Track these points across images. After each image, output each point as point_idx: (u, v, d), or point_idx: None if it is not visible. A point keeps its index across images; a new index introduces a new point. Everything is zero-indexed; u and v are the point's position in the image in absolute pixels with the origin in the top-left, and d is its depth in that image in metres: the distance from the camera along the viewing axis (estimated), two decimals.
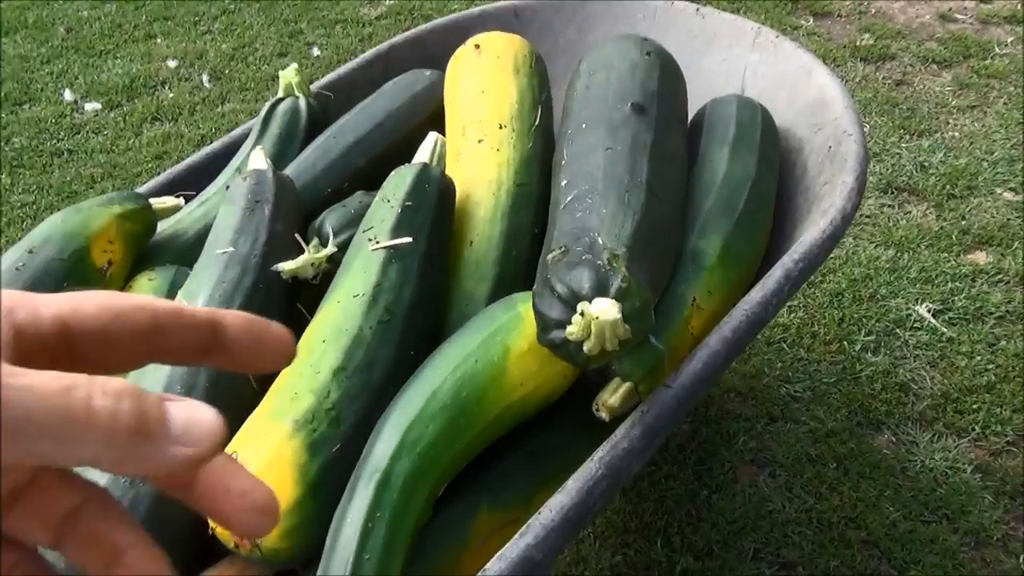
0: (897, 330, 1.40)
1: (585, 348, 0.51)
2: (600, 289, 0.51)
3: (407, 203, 0.69)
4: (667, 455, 1.24)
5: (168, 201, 0.79)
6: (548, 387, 0.62)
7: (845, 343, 1.37)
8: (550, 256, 0.58)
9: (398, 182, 0.71)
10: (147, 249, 0.76)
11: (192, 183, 0.87)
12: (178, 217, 0.81)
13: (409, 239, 0.67)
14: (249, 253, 0.67)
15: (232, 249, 0.67)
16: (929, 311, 1.43)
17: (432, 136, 0.75)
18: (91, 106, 2.27)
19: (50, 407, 0.17)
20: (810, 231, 0.68)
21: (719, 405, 1.32)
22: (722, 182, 0.76)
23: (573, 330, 0.51)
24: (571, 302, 0.52)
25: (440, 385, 0.57)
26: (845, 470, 1.20)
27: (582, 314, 0.50)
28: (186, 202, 0.83)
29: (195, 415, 0.20)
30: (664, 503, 1.18)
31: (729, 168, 0.78)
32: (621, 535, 1.15)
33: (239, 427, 0.58)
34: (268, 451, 0.55)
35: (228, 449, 0.57)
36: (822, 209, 0.72)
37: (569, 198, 0.64)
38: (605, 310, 0.49)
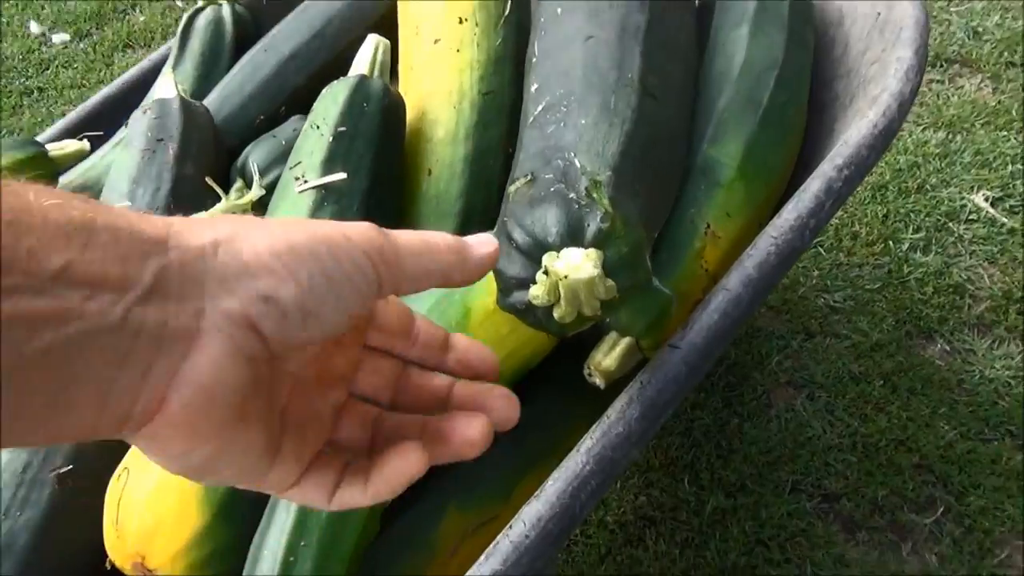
0: (950, 224, 1.24)
1: (556, 315, 0.38)
2: (572, 234, 0.38)
3: (340, 128, 0.55)
4: None
5: (69, 146, 0.66)
6: (525, 352, 0.49)
7: (890, 243, 1.22)
8: (511, 188, 0.44)
9: (329, 103, 0.57)
10: None
11: (108, 120, 0.73)
12: (88, 164, 0.68)
13: (343, 175, 0.53)
14: (150, 207, 0.54)
15: (128, 204, 0.54)
16: (986, 200, 1.26)
17: (371, 40, 0.60)
18: (59, 38, 2.12)
19: (419, 241, 0.29)
20: (856, 126, 0.53)
21: (748, 322, 1.19)
22: (741, 71, 0.60)
23: (537, 293, 0.37)
24: (534, 254, 0.38)
25: None
26: (893, 387, 1.07)
27: (546, 272, 0.37)
28: (98, 146, 0.70)
29: (477, 235, 0.32)
30: (691, 435, 1.07)
31: (749, 52, 0.62)
32: (644, 473, 1.05)
33: None
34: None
35: (120, 467, 0.46)
36: (871, 96, 0.56)
37: (539, 108, 0.50)
38: (576, 265, 0.36)
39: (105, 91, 0.74)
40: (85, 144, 0.66)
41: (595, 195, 0.40)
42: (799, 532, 0.96)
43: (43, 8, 2.23)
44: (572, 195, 0.40)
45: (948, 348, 1.11)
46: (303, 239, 0.25)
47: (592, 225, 0.38)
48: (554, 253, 0.37)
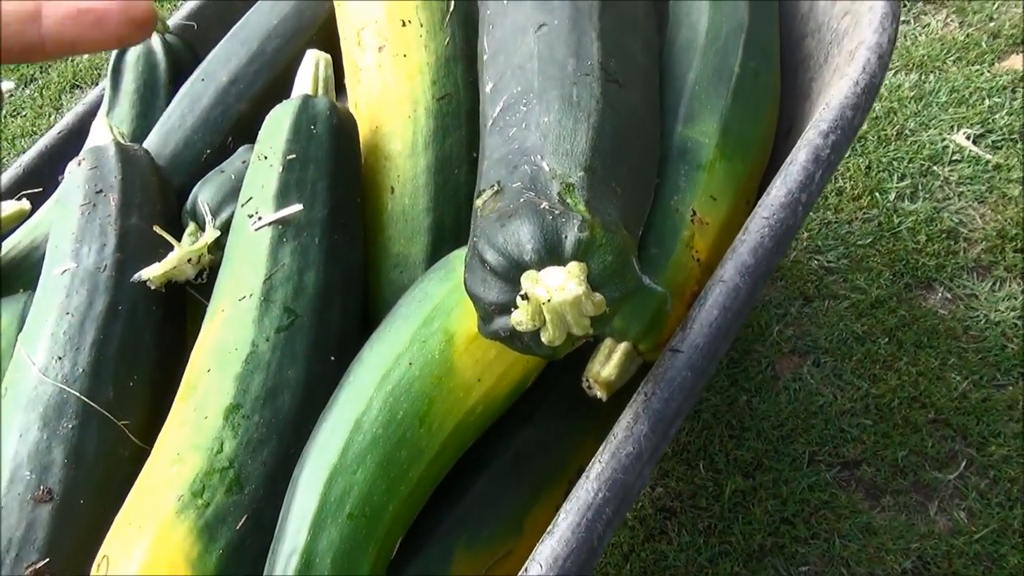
0: (934, 167, 1.21)
1: (544, 339, 0.35)
2: (550, 249, 0.34)
3: (290, 156, 0.51)
4: None
5: (7, 208, 0.62)
6: (517, 372, 0.46)
7: (876, 194, 1.19)
8: (479, 202, 0.41)
9: (274, 129, 0.53)
10: None
11: (48, 174, 0.69)
12: (33, 223, 0.64)
13: (299, 206, 0.49)
14: (96, 266, 0.50)
15: (73, 265, 0.50)
16: (968, 138, 1.23)
17: (311, 55, 0.56)
18: (4, 86, 2.06)
19: None
20: (837, 87, 0.49)
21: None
22: (706, 41, 0.57)
23: (520, 319, 0.34)
24: (511, 275, 0.35)
25: (365, 410, 0.41)
26: (899, 343, 1.04)
27: (526, 297, 0.33)
28: (37, 205, 0.66)
29: None
30: (700, 418, 1.04)
31: (712, 19, 0.58)
32: (658, 463, 1.02)
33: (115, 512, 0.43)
34: (147, 546, 0.40)
35: (99, 554, 0.42)
36: (847, 51, 0.53)
37: (497, 109, 0.46)
38: (559, 286, 0.32)
39: (41, 143, 0.70)
40: (25, 204, 0.62)
41: (569, 200, 0.37)
42: (822, 505, 0.93)
43: None
44: (544, 204, 0.36)
45: (949, 296, 1.08)
46: None
47: (570, 236, 0.34)
48: (533, 273, 0.34)
